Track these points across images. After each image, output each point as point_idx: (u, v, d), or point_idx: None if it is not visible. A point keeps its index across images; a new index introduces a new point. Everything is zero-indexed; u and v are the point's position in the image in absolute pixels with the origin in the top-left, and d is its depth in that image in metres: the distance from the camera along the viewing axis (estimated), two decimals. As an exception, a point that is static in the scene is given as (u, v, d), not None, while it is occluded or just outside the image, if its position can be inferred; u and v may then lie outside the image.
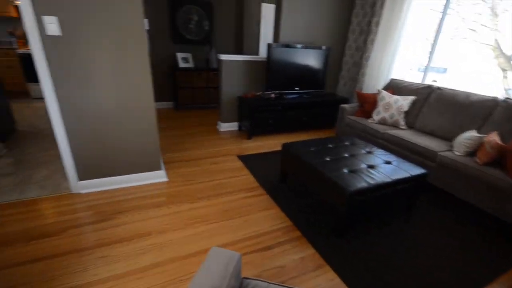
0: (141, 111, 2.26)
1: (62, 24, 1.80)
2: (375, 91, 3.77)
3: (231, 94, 3.93)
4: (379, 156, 2.33)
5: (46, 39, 1.80)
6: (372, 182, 1.86)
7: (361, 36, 4.19)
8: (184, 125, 4.24)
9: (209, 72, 4.90)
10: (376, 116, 3.32)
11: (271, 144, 3.68)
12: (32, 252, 1.66)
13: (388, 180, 1.92)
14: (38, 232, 1.83)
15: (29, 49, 4.63)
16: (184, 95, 4.87)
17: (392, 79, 3.70)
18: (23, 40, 4.91)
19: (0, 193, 2.21)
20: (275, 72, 3.78)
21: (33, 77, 4.71)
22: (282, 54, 3.74)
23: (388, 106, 3.24)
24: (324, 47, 4.01)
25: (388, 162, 2.22)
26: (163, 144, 3.40)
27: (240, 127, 4.10)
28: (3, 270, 1.53)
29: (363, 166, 2.11)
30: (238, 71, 3.84)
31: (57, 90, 1.95)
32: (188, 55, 4.87)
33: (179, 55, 4.79)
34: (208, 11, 4.91)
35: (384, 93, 3.35)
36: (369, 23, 4.02)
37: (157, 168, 2.53)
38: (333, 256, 1.77)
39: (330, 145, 2.51)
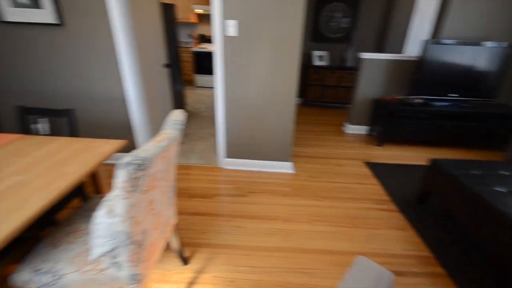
0: (284, 105, 2.45)
1: (239, 26, 2.16)
2: None
3: (366, 96, 3.67)
4: None
5: (225, 39, 2.21)
6: None
7: None
8: (310, 121, 4.32)
9: (343, 71, 4.74)
10: None
11: (407, 155, 3.21)
12: (193, 207, 2.15)
13: None
14: (197, 192, 2.35)
15: (201, 48, 5.89)
16: (313, 93, 4.93)
17: None
18: (197, 40, 6.29)
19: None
20: (428, 74, 3.23)
21: (199, 69, 5.99)
22: (441, 52, 3.14)
23: None
24: (505, 44, 3.07)
25: None
26: (291, 137, 3.60)
27: (370, 131, 3.79)
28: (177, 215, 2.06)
29: None
30: (378, 71, 3.52)
31: (226, 81, 2.38)
32: (324, 53, 4.88)
33: (315, 53, 4.86)
34: (353, 8, 4.70)
35: None
36: None
37: (287, 159, 2.71)
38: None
39: (504, 172, 1.93)
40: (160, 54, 3.10)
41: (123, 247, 0.96)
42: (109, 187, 2.14)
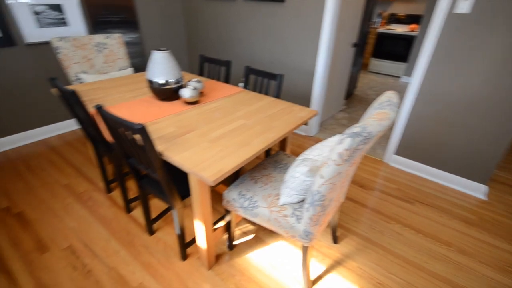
0: (505, 111, 1.83)
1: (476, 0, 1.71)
2: None
3: None
4: None
5: (450, 17, 1.82)
6: None
7: None
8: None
9: None
10: None
11: None
12: (348, 191, 2.11)
13: None
14: (355, 178, 2.28)
15: (388, 29, 5.31)
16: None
17: None
18: (385, 20, 5.69)
19: (337, 137, 2.97)
20: None
21: (378, 53, 5.49)
22: None
23: None
24: None
25: None
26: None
27: None
28: (332, 192, 2.09)
29: None
30: None
31: (428, 70, 2.02)
32: None
33: None
34: None
35: None
36: None
37: (482, 180, 2.09)
38: None
39: None
40: (352, 33, 3.02)
41: (312, 205, 1.05)
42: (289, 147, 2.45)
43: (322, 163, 1.02)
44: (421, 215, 1.91)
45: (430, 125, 2.17)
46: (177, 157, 1.09)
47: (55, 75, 2.51)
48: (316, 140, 2.88)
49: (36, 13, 2.22)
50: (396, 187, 2.19)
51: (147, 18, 3.09)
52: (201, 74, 2.31)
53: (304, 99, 2.82)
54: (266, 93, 1.93)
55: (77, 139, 2.65)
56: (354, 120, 3.41)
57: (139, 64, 3.15)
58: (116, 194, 1.96)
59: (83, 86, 1.85)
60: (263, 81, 1.95)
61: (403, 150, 2.39)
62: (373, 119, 0.89)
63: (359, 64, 3.96)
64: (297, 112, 1.57)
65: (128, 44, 2.94)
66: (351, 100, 4.12)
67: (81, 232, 1.65)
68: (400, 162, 2.43)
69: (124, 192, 1.72)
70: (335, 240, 1.66)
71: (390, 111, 0.99)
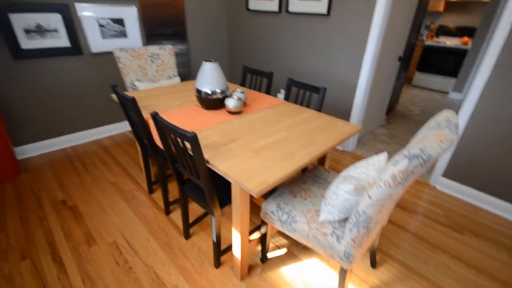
0: None
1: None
2: None
3: None
4: None
5: (515, 34, 1.67)
6: None
7: None
8: None
9: None
10: None
11: None
12: (392, 215, 1.99)
13: None
14: (399, 201, 2.14)
15: (436, 42, 5.02)
16: None
17: None
18: (433, 33, 5.39)
19: (377, 154, 2.83)
20: None
21: (423, 66, 5.20)
22: None
23: None
24: None
25: None
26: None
27: None
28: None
29: None
30: None
31: (485, 88, 1.86)
32: None
33: None
34: None
35: None
36: None
37: (550, 215, 1.84)
38: None
39: None
40: (399, 46, 2.90)
41: (356, 226, 1.01)
42: (328, 162, 2.40)
43: (370, 183, 0.98)
44: (473, 248, 1.72)
45: (485, 147, 1.98)
46: (222, 166, 1.12)
47: (113, 82, 2.76)
48: (353, 155, 2.77)
49: (101, 26, 2.48)
50: (443, 214, 2.02)
51: (195, 30, 3.28)
52: (243, 84, 2.38)
53: (343, 112, 2.75)
54: (308, 106, 1.92)
55: (125, 140, 2.86)
56: (394, 137, 3.23)
57: (185, 73, 3.34)
58: (157, 195, 2.06)
59: (138, 93, 2.01)
60: (305, 93, 1.95)
61: (453, 173, 2.20)
62: (433, 140, 0.84)
63: (403, 78, 3.77)
64: (340, 127, 1.53)
65: (176, 54, 3.14)
66: (392, 115, 3.92)
67: (124, 229, 1.76)
68: (449, 186, 2.24)
69: (166, 194, 1.80)
70: (374, 264, 1.56)
71: (449, 132, 0.92)
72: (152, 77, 2.34)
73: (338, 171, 2.46)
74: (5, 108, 2.25)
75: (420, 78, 5.32)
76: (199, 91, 1.63)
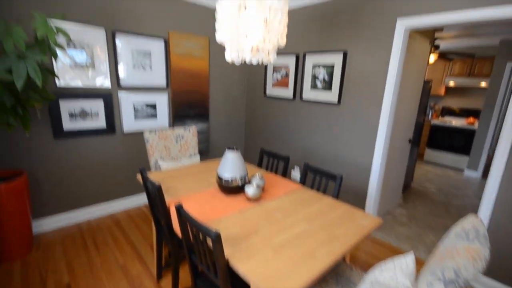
0: None
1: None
2: None
3: None
4: None
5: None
6: None
7: None
8: None
9: None
10: None
11: None
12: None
13: None
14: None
15: (442, 121, 5.26)
16: None
17: None
18: (437, 113, 5.71)
19: (398, 238, 2.67)
20: None
21: (432, 143, 5.33)
22: None
23: None
24: None
25: None
26: None
27: None
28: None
29: None
30: None
31: (505, 173, 1.86)
32: None
33: None
34: None
35: None
36: None
37: None
38: None
39: None
40: (408, 129, 3.05)
41: None
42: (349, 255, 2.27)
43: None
44: None
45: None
46: (242, 267, 1.09)
47: (138, 159, 2.94)
48: (372, 239, 2.62)
49: (136, 109, 2.80)
50: (485, 319, 1.77)
51: (216, 112, 3.61)
52: (260, 164, 2.47)
53: (359, 193, 2.73)
54: (324, 191, 1.93)
55: (140, 215, 2.86)
56: (414, 218, 3.10)
57: (204, 148, 3.54)
58: (166, 283, 1.94)
59: (161, 173, 2.11)
60: (321, 179, 1.99)
61: (494, 269, 2.01)
62: (465, 257, 0.81)
63: (415, 155, 3.83)
64: (360, 219, 1.51)
65: (197, 131, 3.39)
66: (409, 193, 3.84)
67: (128, 324, 1.61)
68: (489, 285, 2.02)
69: (176, 284, 1.70)
70: None
71: (480, 246, 0.89)
72: (174, 156, 2.49)
73: (359, 261, 2.30)
74: (32, 182, 2.38)
75: (431, 154, 5.38)
76: (220, 178, 1.70)
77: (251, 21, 1.26)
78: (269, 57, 1.40)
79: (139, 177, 1.97)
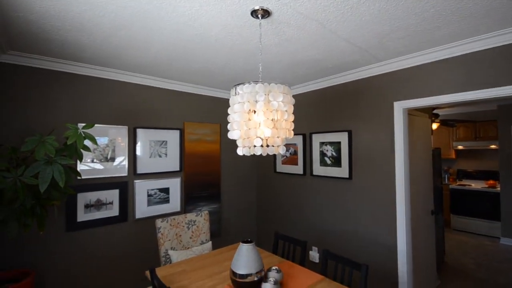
0: None
1: None
2: None
3: None
4: None
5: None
6: None
7: None
8: None
9: None
10: None
11: None
12: None
13: None
14: None
15: (460, 185, 5.07)
16: None
17: None
18: (454, 176, 5.56)
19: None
20: None
21: (456, 209, 5.01)
22: None
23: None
24: None
25: None
26: None
27: None
28: None
29: None
30: None
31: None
32: None
33: None
34: None
35: None
36: None
37: None
38: None
39: None
40: (428, 198, 2.92)
41: None
42: None
43: None
44: None
45: None
46: None
47: (148, 248, 2.84)
48: (416, 338, 2.21)
49: (150, 195, 2.85)
50: None
51: (228, 191, 3.63)
52: (275, 250, 2.33)
53: (388, 277, 2.45)
54: (349, 284, 1.75)
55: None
56: (461, 306, 2.67)
57: (216, 229, 3.42)
58: None
59: (171, 268, 1.99)
60: (345, 267, 1.83)
61: None
62: None
63: (441, 222, 3.55)
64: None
65: (209, 212, 3.34)
66: (444, 271, 3.41)
67: None
68: None
69: None
70: None
71: None
72: (185, 244, 2.39)
73: None
74: (38, 274, 2.26)
75: (458, 221, 5.00)
76: (234, 273, 1.59)
77: (260, 122, 1.38)
78: (279, 150, 1.48)
79: (147, 273, 1.86)
